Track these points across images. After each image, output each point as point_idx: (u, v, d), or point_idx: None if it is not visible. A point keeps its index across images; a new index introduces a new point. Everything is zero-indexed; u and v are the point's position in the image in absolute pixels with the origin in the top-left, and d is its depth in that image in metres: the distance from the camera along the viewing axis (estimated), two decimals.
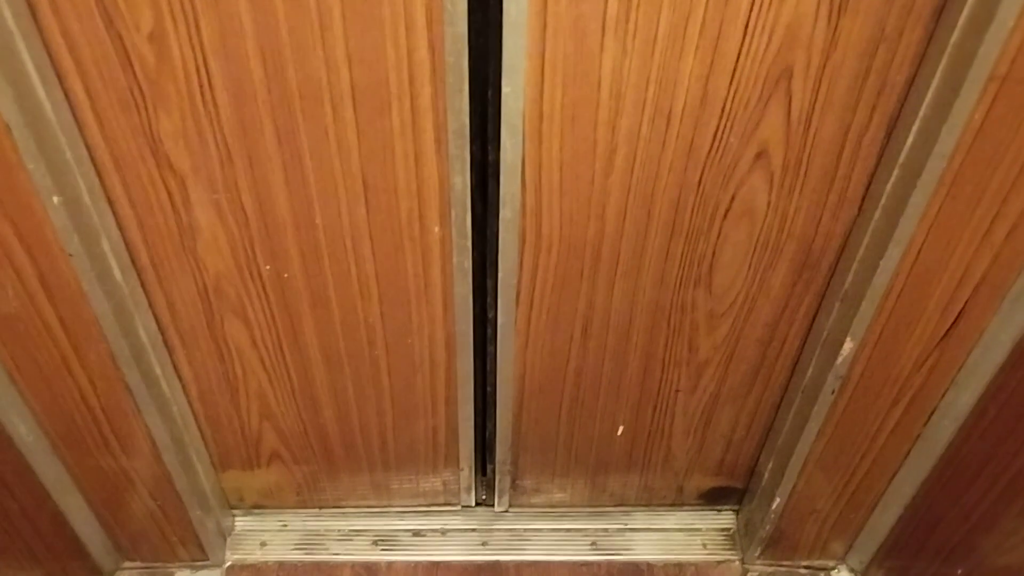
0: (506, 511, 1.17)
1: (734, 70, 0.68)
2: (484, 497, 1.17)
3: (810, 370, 0.89)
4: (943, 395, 0.88)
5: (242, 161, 0.73)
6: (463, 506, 1.17)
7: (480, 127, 0.73)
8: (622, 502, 1.16)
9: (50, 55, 0.66)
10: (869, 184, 0.76)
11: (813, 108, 0.71)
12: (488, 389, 0.99)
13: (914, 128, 0.68)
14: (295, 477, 1.10)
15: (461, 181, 0.76)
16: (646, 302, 0.87)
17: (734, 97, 0.70)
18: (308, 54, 0.66)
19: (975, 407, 0.86)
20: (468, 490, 1.15)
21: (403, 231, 0.80)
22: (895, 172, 0.72)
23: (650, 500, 1.16)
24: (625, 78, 0.68)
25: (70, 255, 0.74)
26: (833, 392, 0.88)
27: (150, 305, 0.85)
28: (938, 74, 0.65)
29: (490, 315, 0.90)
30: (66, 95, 0.68)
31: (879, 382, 0.87)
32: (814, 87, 0.69)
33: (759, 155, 0.74)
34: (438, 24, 0.65)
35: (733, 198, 0.78)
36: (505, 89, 0.69)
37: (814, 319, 0.89)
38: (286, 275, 0.83)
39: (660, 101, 0.70)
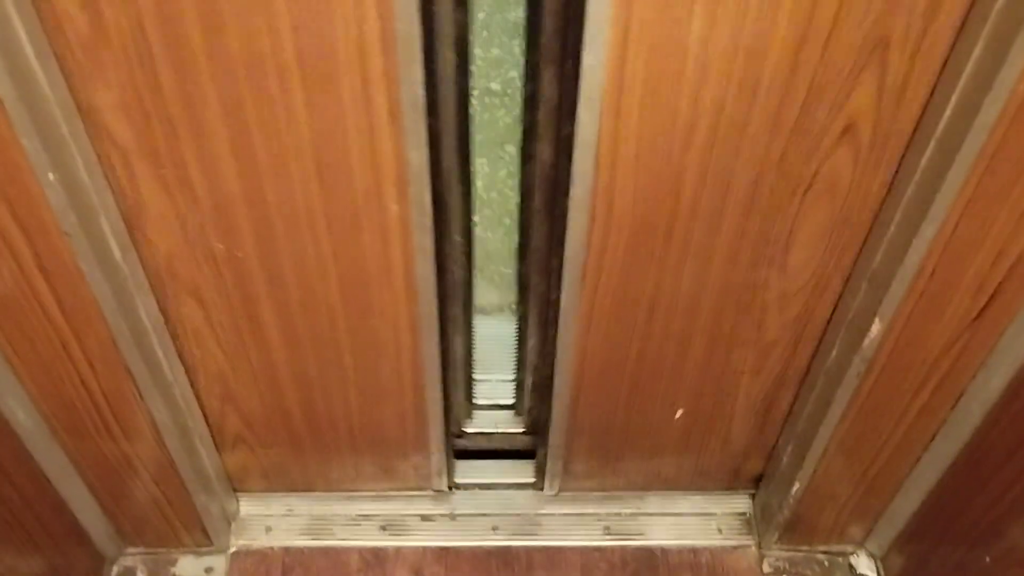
0: (556, 495, 1.15)
1: (827, 39, 0.64)
2: (456, 482, 1.17)
3: (834, 352, 0.87)
4: (972, 378, 0.85)
5: (187, 134, 0.69)
6: (434, 490, 1.14)
7: (557, 101, 0.70)
8: (674, 486, 1.14)
9: (43, 25, 0.62)
10: (902, 158, 0.73)
11: (907, 81, 0.66)
12: (545, 372, 0.96)
13: (953, 99, 0.65)
14: (261, 461, 1.08)
15: (418, 156, 0.72)
16: (716, 282, 0.83)
17: (826, 68, 0.65)
18: (248, 20, 0.62)
19: (1005, 391, 0.83)
20: (439, 475, 1.12)
21: (359, 209, 0.76)
22: (931, 145, 0.68)
23: (704, 484, 1.14)
24: (712, 47, 0.64)
25: (67, 234, 0.71)
26: (858, 375, 0.85)
27: None
28: (980, 41, 0.62)
29: (552, 296, 0.86)
30: (60, 67, 0.65)
31: (906, 365, 0.84)
32: (911, 57, 0.65)
33: (846, 129, 0.70)
34: None
35: (815, 174, 0.74)
36: (586, 61, 0.65)
37: (839, 299, 0.86)
38: (240, 254, 0.80)
39: (747, 71, 0.66)
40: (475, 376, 1.12)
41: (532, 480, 1.16)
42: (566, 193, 0.75)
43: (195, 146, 0.70)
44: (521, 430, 1.13)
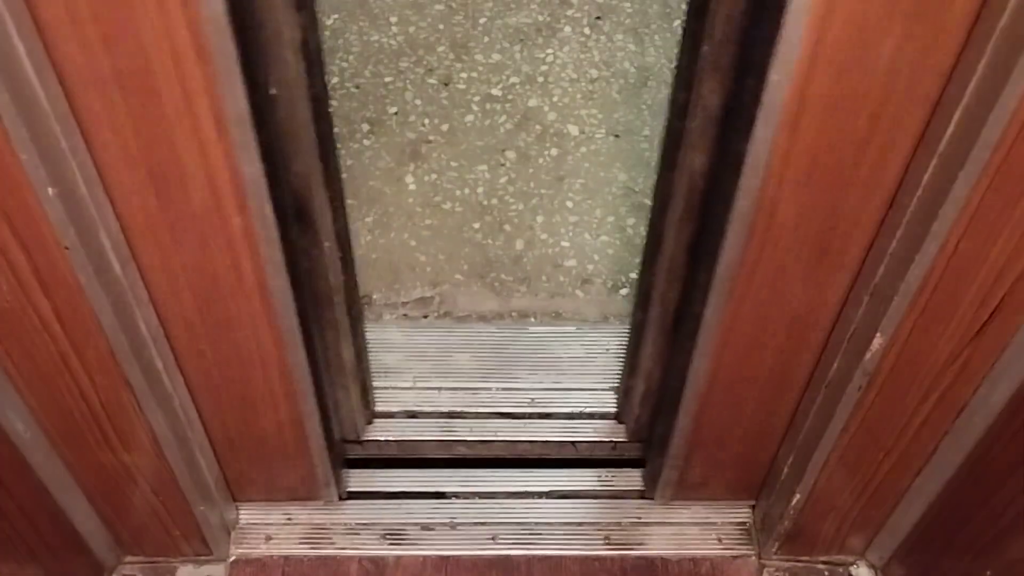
0: (668, 504, 1.16)
1: None
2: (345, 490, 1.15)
3: (835, 365, 0.86)
4: (975, 392, 0.85)
5: None
6: (325, 502, 1.14)
7: (726, 115, 0.69)
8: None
9: (42, 37, 0.62)
10: (904, 173, 0.73)
11: None
12: (672, 382, 0.96)
13: (955, 116, 0.65)
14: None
15: (252, 170, 0.71)
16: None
17: None
18: (57, 33, 0.61)
19: (1008, 404, 0.83)
20: (327, 485, 1.11)
21: (202, 223, 0.75)
22: (933, 161, 0.68)
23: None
24: (903, 66, 0.64)
25: (66, 248, 0.71)
26: (860, 389, 0.85)
27: None
28: (985, 58, 0.61)
29: (695, 309, 0.85)
30: (60, 80, 0.64)
31: (908, 379, 0.84)
32: None
33: None
34: (194, 4, 0.60)
35: None
36: (773, 77, 0.64)
37: (840, 312, 0.86)
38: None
39: (932, 90, 0.65)
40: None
41: (641, 488, 1.17)
42: (725, 205, 0.74)
43: None
44: (623, 439, 1.15)
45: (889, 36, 0.62)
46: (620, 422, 1.15)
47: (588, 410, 1.17)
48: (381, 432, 1.17)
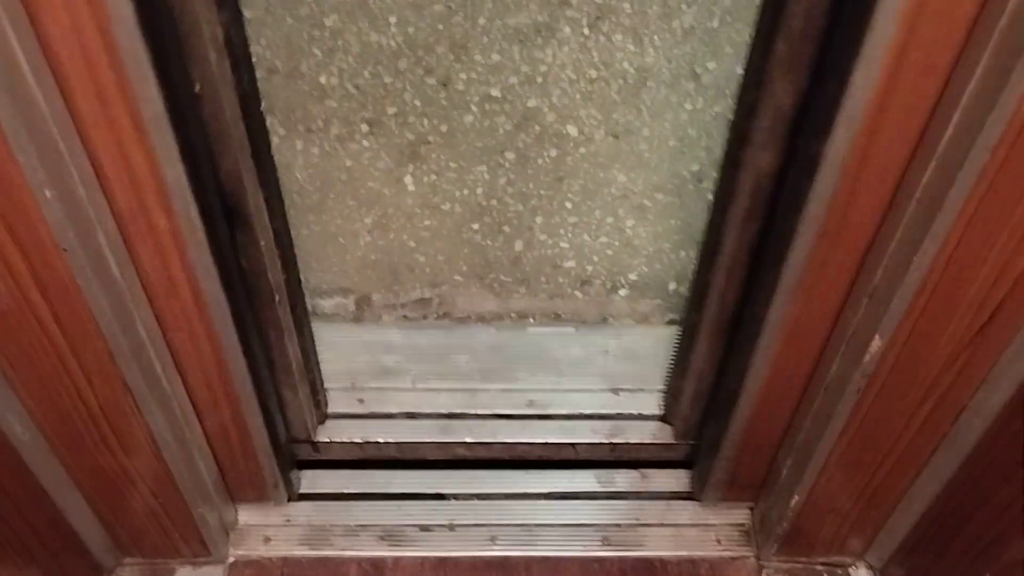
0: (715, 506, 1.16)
1: None
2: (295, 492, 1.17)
3: (834, 367, 0.86)
4: (973, 394, 0.85)
5: None
6: (275, 503, 1.14)
7: (799, 115, 0.69)
8: None
9: (39, 40, 0.62)
10: (902, 176, 0.72)
11: None
12: (729, 384, 0.97)
13: (954, 117, 0.65)
14: None
15: (173, 172, 0.71)
16: None
17: None
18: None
19: (1006, 406, 0.83)
20: (275, 487, 1.11)
21: (128, 224, 0.75)
22: (931, 164, 0.68)
23: None
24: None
25: (64, 250, 0.71)
26: (858, 391, 0.85)
27: None
28: (983, 60, 0.61)
29: (757, 311, 0.85)
30: (57, 82, 0.64)
31: (907, 381, 0.84)
32: None
33: None
34: (101, 5, 0.60)
35: None
36: (857, 80, 0.64)
37: (838, 315, 0.85)
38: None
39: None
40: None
41: (689, 490, 1.17)
42: (795, 206, 0.74)
43: None
44: (671, 440, 1.15)
45: None
46: (667, 423, 1.15)
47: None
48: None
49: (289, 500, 1.15)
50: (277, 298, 0.92)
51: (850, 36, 0.64)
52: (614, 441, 1.16)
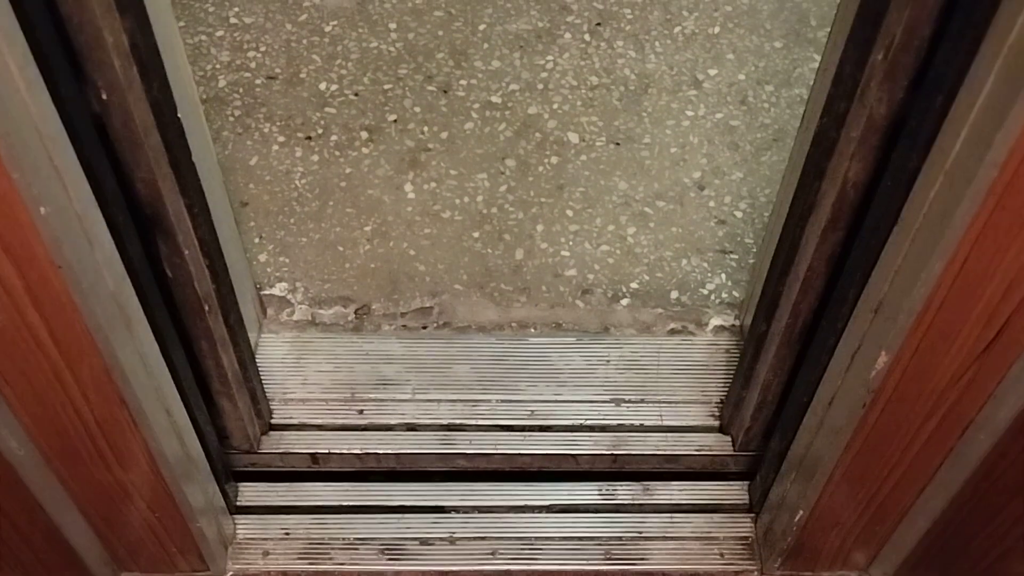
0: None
1: None
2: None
3: (840, 382, 0.85)
4: (980, 409, 0.84)
5: None
6: (217, 514, 1.10)
7: (888, 121, 0.69)
8: None
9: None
10: (909, 189, 0.72)
11: None
12: (800, 396, 0.96)
13: (963, 133, 0.64)
14: None
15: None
16: None
17: None
18: None
19: (1013, 422, 0.82)
20: (212, 496, 1.07)
21: None
22: (939, 179, 0.67)
23: None
24: None
25: (59, 267, 0.70)
26: (864, 406, 0.84)
27: None
28: (992, 74, 0.60)
29: (837, 323, 0.84)
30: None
31: (913, 396, 0.83)
32: None
33: None
34: None
35: None
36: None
37: (843, 329, 0.85)
38: None
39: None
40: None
41: (745, 502, 1.16)
42: (887, 218, 0.73)
43: None
44: (729, 452, 1.14)
45: None
46: (726, 434, 1.14)
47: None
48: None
49: (230, 513, 1.13)
50: (208, 308, 0.90)
51: (962, 46, 0.62)
52: (616, 452, 1.15)
